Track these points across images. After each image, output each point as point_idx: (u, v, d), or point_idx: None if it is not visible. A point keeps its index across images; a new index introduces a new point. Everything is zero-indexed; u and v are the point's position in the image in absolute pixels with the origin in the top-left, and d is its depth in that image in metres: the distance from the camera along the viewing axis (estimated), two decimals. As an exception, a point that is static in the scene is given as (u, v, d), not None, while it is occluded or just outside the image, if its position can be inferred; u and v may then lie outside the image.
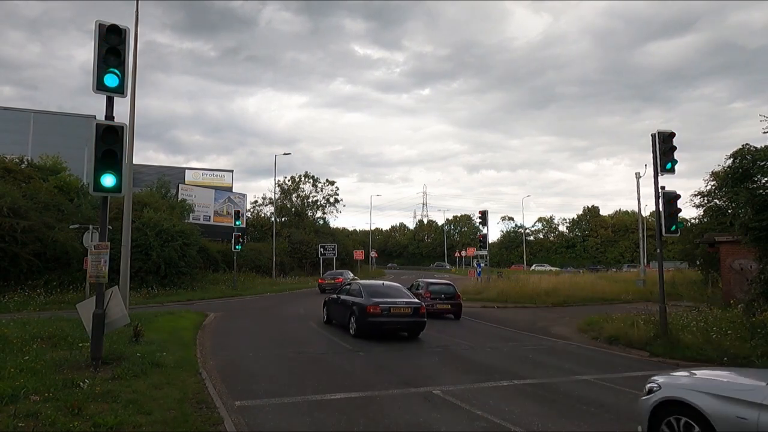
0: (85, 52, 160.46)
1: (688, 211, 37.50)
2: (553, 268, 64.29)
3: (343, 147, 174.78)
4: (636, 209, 41.83)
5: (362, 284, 15.70)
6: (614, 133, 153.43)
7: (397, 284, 16.45)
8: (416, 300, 14.82)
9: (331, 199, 67.93)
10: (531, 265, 72.64)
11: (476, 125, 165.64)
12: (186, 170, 59.43)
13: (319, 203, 67.52)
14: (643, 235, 39.64)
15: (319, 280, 33.88)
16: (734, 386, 4.60)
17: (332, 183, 69.03)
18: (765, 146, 16.37)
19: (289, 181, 66.72)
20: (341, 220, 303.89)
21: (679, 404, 4.75)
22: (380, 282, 17.48)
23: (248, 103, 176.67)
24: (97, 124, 8.48)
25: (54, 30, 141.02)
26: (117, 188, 8.47)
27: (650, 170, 13.34)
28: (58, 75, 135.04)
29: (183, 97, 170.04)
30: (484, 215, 32.13)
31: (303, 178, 67.20)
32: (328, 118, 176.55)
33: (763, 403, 4.10)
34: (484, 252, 38.92)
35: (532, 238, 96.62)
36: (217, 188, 54.01)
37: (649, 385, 5.28)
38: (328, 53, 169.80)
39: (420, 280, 22.16)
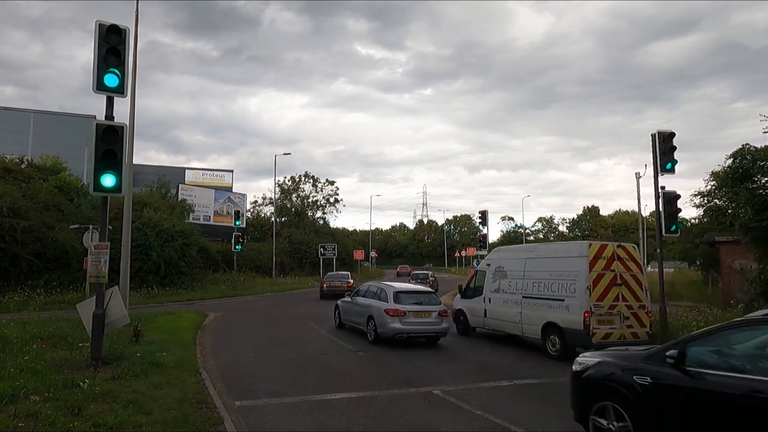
0: (87, 52, 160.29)
1: (688, 211, 37.41)
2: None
3: (345, 147, 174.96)
4: (636, 209, 41.78)
5: (327, 275, 31.35)
6: (616, 133, 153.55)
7: (346, 273, 30.97)
8: (350, 280, 26.98)
9: (331, 199, 68.00)
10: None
11: (478, 125, 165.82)
12: (186, 170, 59.40)
13: (319, 203, 67.58)
14: (643, 235, 39.45)
15: (398, 270, 66.94)
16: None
17: (332, 183, 69.15)
18: (765, 146, 16.38)
19: (289, 181, 66.78)
20: (341, 220, 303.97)
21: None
22: (336, 272, 32.72)
23: (250, 103, 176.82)
24: (97, 124, 8.48)
25: (56, 30, 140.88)
26: (117, 188, 8.47)
27: (650, 170, 13.34)
28: (60, 75, 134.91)
29: (184, 97, 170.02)
30: (484, 215, 32.09)
31: (303, 178, 67.25)
32: (330, 118, 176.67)
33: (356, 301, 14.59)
34: (484, 252, 38.89)
35: (532, 238, 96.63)
36: (217, 188, 53.99)
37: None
38: (330, 53, 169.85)
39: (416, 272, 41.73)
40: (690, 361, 4.52)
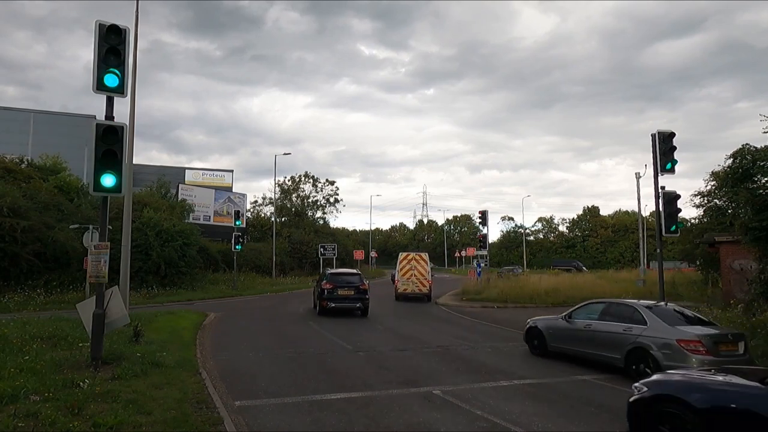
0: (90, 52, 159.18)
1: (688, 211, 37.34)
2: None
3: (347, 147, 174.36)
4: (636, 209, 41.75)
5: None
6: (617, 133, 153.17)
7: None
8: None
9: (331, 199, 67.93)
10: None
11: (480, 125, 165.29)
12: (186, 170, 59.37)
13: (319, 203, 67.52)
14: (643, 235, 39.51)
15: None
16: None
17: (332, 183, 69.00)
18: (765, 146, 16.38)
19: (289, 181, 66.75)
20: (342, 220, 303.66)
21: None
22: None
23: (252, 103, 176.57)
24: (97, 124, 8.48)
25: (59, 30, 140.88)
26: (117, 188, 8.47)
27: (651, 170, 13.34)
28: (63, 75, 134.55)
29: (187, 97, 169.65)
30: (484, 215, 32.09)
31: (303, 178, 67.19)
32: (332, 119, 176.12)
33: None
34: (484, 252, 38.90)
35: (532, 238, 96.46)
36: (217, 188, 53.98)
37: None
38: (334, 53, 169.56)
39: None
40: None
